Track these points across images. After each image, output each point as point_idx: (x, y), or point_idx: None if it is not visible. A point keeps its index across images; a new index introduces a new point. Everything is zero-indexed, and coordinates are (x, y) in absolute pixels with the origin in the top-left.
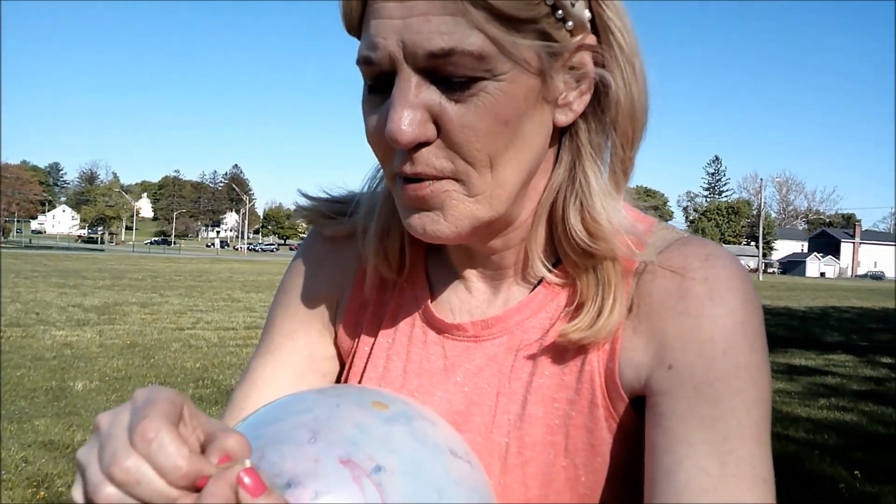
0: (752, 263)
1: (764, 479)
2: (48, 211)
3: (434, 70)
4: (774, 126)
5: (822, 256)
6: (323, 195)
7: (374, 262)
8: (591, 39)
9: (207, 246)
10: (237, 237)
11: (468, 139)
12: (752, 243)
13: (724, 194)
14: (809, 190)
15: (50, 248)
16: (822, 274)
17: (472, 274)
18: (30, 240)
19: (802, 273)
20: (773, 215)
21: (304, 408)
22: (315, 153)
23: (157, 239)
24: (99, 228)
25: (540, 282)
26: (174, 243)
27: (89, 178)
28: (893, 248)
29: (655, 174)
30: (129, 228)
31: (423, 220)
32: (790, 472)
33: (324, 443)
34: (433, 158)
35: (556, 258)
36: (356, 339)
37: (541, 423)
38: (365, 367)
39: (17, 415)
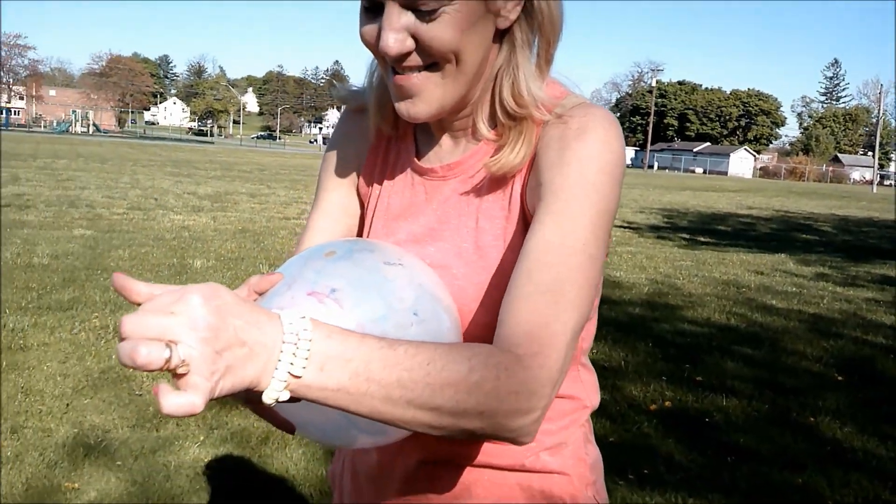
0: (868, 174)
1: (591, 255)
2: (160, 103)
3: (410, 3)
4: None
5: None
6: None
7: (375, 120)
8: None
9: (310, 142)
10: None
11: (437, 46)
12: (870, 153)
13: (841, 100)
14: None
15: (163, 139)
16: None
17: (442, 134)
18: (144, 130)
19: None
20: (895, 124)
21: (287, 269)
22: None
23: (262, 133)
24: (208, 121)
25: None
26: (279, 138)
27: (197, 71)
28: None
29: (768, 76)
30: (236, 122)
31: (407, 105)
32: (862, 372)
33: (295, 288)
34: (414, 59)
35: (494, 123)
36: (370, 186)
37: (487, 231)
38: (376, 205)
39: None
